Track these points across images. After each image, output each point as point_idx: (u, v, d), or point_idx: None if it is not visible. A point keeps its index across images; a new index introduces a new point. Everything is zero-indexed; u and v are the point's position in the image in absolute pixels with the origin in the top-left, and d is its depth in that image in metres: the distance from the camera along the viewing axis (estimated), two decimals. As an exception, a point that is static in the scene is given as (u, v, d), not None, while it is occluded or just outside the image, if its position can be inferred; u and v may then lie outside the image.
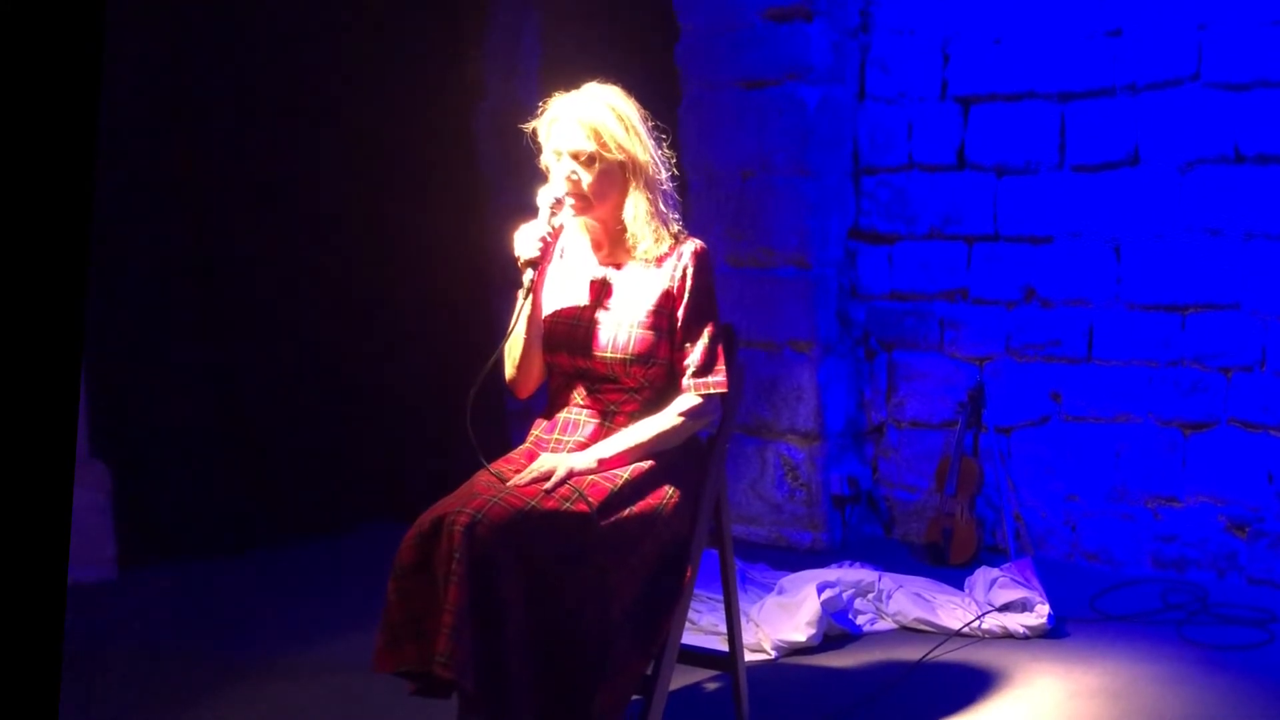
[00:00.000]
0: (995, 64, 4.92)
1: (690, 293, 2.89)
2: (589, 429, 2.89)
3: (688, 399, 2.90)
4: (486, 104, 5.59)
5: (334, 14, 5.23)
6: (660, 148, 2.94)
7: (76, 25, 1.40)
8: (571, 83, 2.93)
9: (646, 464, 2.84)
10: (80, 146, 1.42)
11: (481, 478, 2.81)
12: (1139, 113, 4.65)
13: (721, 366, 2.92)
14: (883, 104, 5.16)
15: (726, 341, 3.01)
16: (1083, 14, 4.72)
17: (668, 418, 2.88)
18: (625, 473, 2.79)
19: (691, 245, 2.93)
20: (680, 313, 2.89)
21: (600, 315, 2.90)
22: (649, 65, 5.26)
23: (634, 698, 2.84)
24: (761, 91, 5.08)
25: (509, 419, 5.32)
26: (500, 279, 5.00)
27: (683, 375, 2.91)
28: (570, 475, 2.74)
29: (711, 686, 3.55)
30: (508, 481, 2.74)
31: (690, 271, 2.90)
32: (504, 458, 2.92)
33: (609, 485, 2.75)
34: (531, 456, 2.91)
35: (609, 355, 2.86)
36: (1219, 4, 4.46)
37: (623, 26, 5.47)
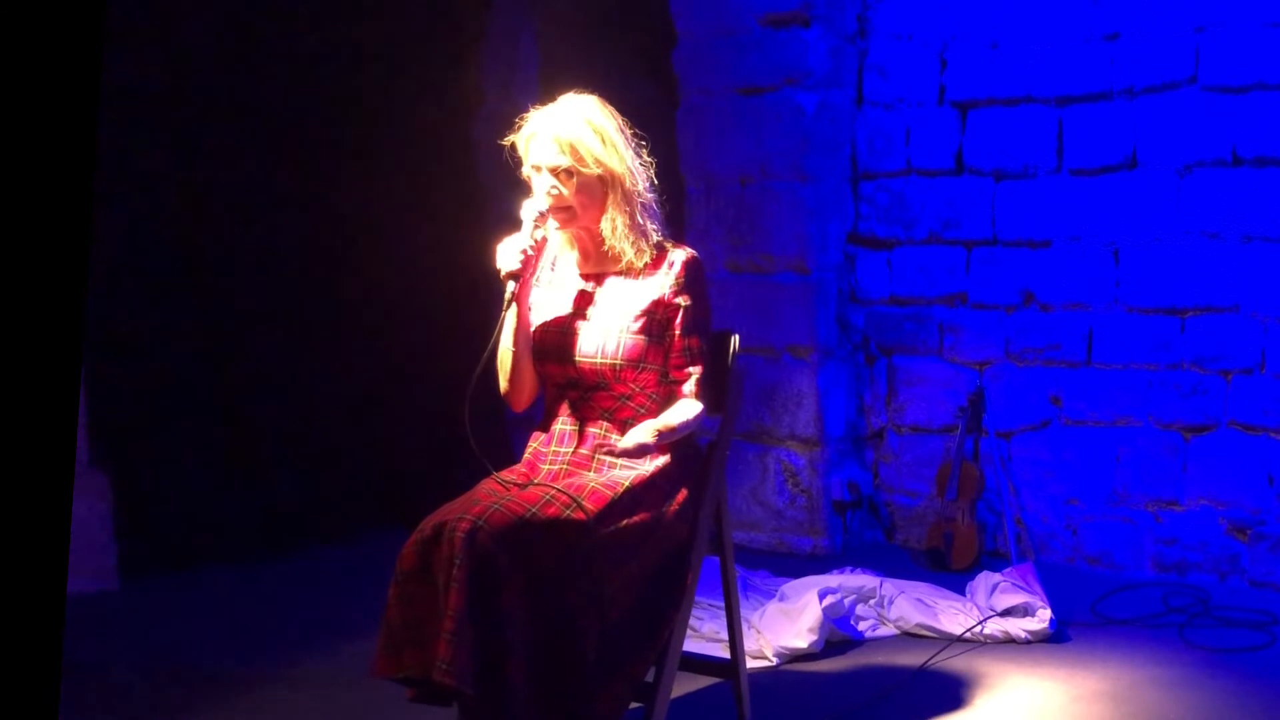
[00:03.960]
0: (993, 69, 4.92)
1: (685, 303, 2.90)
2: (581, 439, 2.91)
3: (693, 405, 2.90)
4: (485, 110, 5.59)
5: (332, 19, 5.24)
6: (639, 156, 2.94)
7: (76, 25, 1.40)
8: (569, 89, 2.94)
9: (647, 472, 2.84)
10: (80, 152, 1.42)
11: (484, 485, 2.81)
12: (1137, 116, 4.66)
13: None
14: (881, 109, 5.17)
15: (724, 349, 3.02)
16: (1080, 18, 4.73)
17: (692, 404, 2.90)
18: (626, 480, 2.80)
19: (683, 254, 2.93)
20: (676, 321, 2.90)
21: (589, 323, 2.91)
22: (647, 71, 5.28)
23: (635, 705, 2.84)
24: (759, 97, 5.08)
25: (509, 427, 5.32)
26: (500, 286, 5.01)
27: (682, 383, 2.92)
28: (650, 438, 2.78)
29: (713, 694, 3.54)
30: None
31: (683, 281, 2.90)
32: (504, 470, 2.92)
33: (609, 493, 2.75)
34: (532, 468, 2.92)
35: (599, 361, 2.87)
36: (1216, 7, 4.47)
37: (621, 33, 5.48)
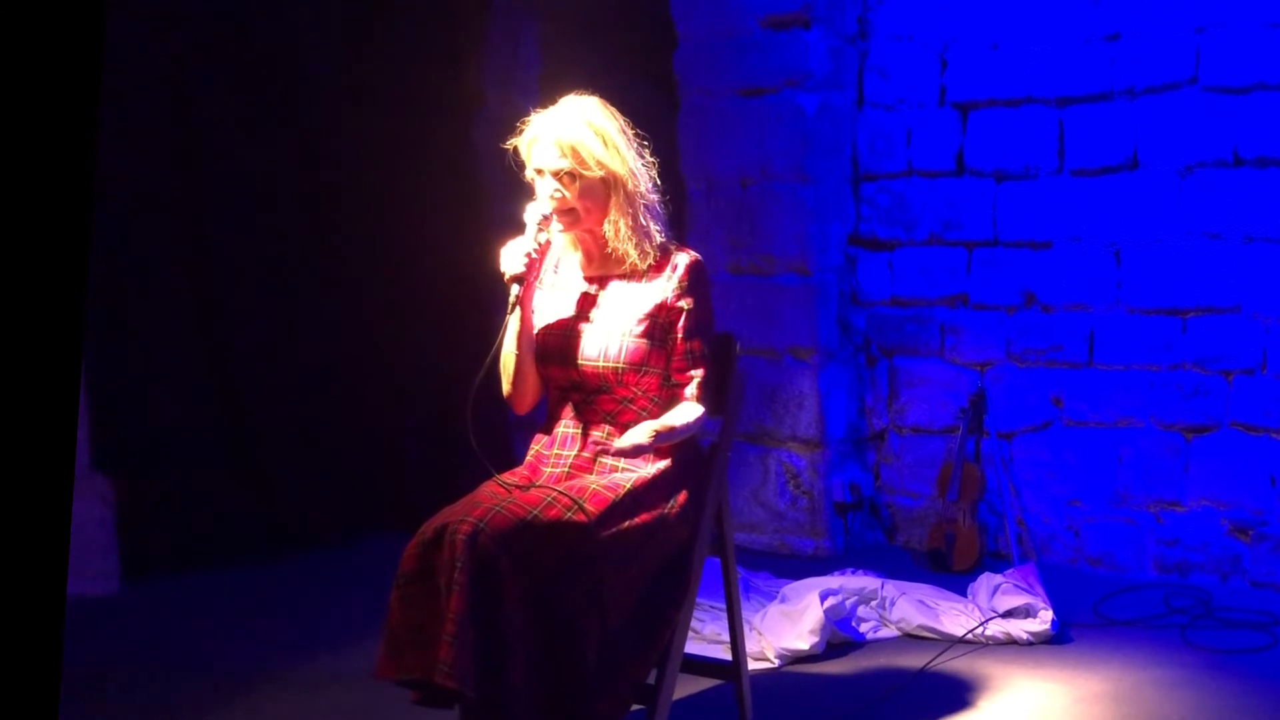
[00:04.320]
0: (993, 69, 4.92)
1: (688, 306, 2.90)
2: (584, 442, 2.91)
3: (694, 408, 2.90)
4: (486, 113, 5.59)
5: (333, 21, 5.24)
6: (641, 157, 2.94)
7: (76, 25, 1.39)
8: (571, 91, 2.94)
9: (648, 474, 2.84)
10: (80, 154, 1.42)
11: (485, 488, 2.81)
12: (1137, 117, 4.66)
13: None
14: (881, 110, 5.16)
15: (725, 351, 3.02)
16: (1080, 18, 4.73)
17: (693, 407, 2.90)
18: (627, 482, 2.80)
19: (686, 257, 2.93)
20: (679, 324, 2.90)
21: (592, 326, 2.91)
22: (648, 73, 5.28)
23: (637, 706, 2.84)
24: (760, 99, 5.08)
25: (511, 430, 5.31)
26: (501, 289, 5.01)
27: (684, 385, 2.91)
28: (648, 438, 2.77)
29: (715, 695, 3.54)
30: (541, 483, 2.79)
31: (686, 284, 2.90)
32: (506, 473, 2.92)
33: (611, 495, 2.75)
34: (534, 470, 2.92)
35: (601, 364, 2.87)
36: (1216, 7, 4.47)
37: (622, 34, 5.48)
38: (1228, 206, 4.51)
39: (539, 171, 2.88)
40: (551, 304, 2.98)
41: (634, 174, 2.89)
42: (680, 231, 5.13)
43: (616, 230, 2.88)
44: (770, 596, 4.16)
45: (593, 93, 2.94)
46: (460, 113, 5.60)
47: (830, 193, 5.13)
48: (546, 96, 2.95)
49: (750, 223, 5.15)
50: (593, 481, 2.80)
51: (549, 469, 2.91)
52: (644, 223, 2.90)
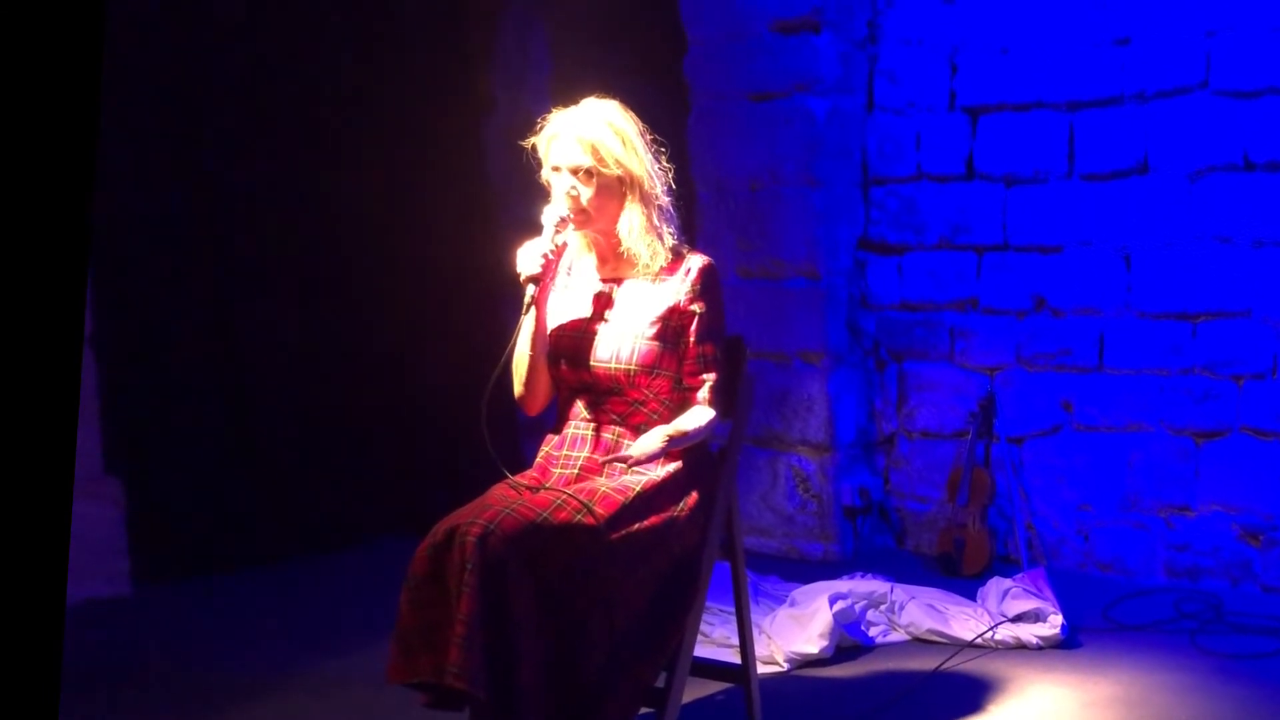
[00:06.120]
0: (1003, 74, 4.92)
1: (701, 310, 2.90)
2: (594, 443, 2.92)
3: (706, 412, 2.91)
4: (496, 117, 5.60)
5: (342, 25, 5.25)
6: (657, 161, 2.96)
7: (77, 26, 1.39)
8: (580, 95, 2.95)
9: (658, 477, 2.84)
10: (80, 157, 1.42)
11: (496, 490, 2.82)
12: (1148, 121, 4.65)
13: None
14: (891, 114, 5.17)
15: (734, 355, 3.03)
16: (1091, 23, 4.73)
17: (705, 411, 2.90)
18: (637, 485, 2.80)
19: (699, 260, 2.94)
20: (692, 328, 2.90)
21: (604, 327, 2.92)
22: (658, 77, 5.28)
23: (646, 710, 2.85)
24: (770, 103, 5.09)
25: (521, 432, 5.32)
26: (510, 291, 5.01)
27: (696, 389, 2.92)
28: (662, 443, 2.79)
29: (724, 699, 3.54)
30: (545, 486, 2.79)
31: (699, 287, 2.91)
32: (517, 476, 2.92)
33: (620, 498, 2.76)
34: (544, 472, 2.93)
35: (613, 366, 2.87)
36: (1227, 11, 4.46)
37: (632, 38, 5.48)
38: (1238, 211, 4.50)
39: (556, 169, 2.89)
40: (565, 305, 2.99)
41: (650, 175, 2.91)
42: (690, 235, 5.12)
43: (630, 229, 2.89)
44: (779, 600, 4.16)
45: (607, 96, 2.95)
46: (470, 116, 5.61)
47: (840, 197, 5.13)
48: (556, 100, 2.97)
49: (760, 226, 5.15)
50: (602, 484, 2.81)
51: (558, 470, 2.92)
52: (657, 224, 2.92)
